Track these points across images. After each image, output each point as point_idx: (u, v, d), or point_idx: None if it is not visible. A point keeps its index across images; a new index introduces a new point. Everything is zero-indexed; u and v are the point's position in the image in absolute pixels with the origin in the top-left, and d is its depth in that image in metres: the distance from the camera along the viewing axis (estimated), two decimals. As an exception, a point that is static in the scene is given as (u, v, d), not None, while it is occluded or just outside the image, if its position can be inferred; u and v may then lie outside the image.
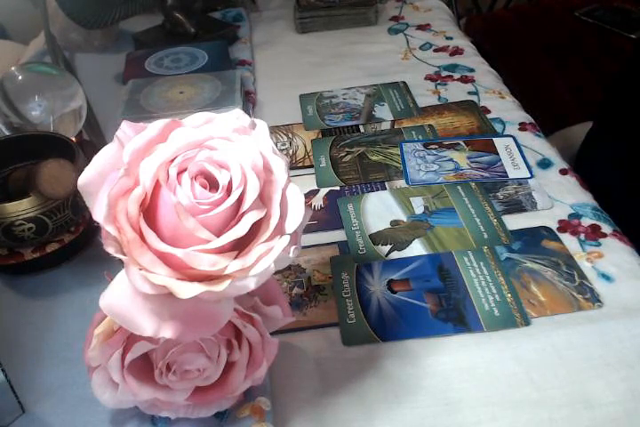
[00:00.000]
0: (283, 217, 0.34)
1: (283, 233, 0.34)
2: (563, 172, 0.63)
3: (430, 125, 0.71)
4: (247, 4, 1.05)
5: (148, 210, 0.34)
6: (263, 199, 0.35)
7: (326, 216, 0.60)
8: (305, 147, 0.70)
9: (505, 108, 0.74)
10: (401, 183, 0.63)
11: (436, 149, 0.67)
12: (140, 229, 0.33)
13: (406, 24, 0.96)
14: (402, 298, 0.50)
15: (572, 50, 1.22)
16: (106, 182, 0.34)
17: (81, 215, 0.55)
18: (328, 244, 0.57)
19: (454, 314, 0.48)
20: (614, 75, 0.91)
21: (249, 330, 0.38)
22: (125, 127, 0.35)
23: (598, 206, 0.58)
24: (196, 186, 0.34)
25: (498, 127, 0.70)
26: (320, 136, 0.72)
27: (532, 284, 0.50)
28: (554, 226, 0.56)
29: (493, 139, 0.68)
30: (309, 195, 0.63)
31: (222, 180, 0.34)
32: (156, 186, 0.34)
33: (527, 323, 0.47)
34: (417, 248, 0.55)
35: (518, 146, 0.66)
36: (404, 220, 0.58)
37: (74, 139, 0.64)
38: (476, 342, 0.47)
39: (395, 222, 0.58)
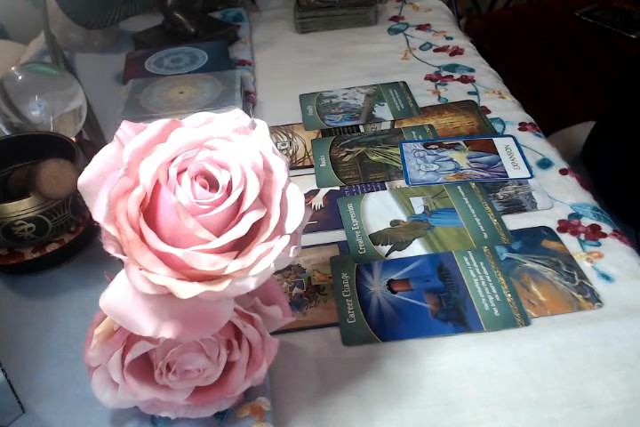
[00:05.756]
0: (283, 217, 0.34)
1: (283, 233, 0.34)
2: (563, 172, 0.63)
3: (430, 125, 0.71)
4: (247, 3, 1.05)
5: (148, 210, 0.34)
6: (263, 199, 0.35)
7: (326, 216, 0.60)
8: (305, 147, 0.70)
9: (505, 108, 0.74)
10: (401, 183, 0.63)
11: (436, 148, 0.67)
12: (139, 229, 0.33)
13: (406, 24, 0.96)
14: (402, 298, 0.50)
15: (572, 50, 1.22)
16: (106, 182, 0.34)
17: (81, 215, 0.55)
18: (328, 244, 0.57)
19: (454, 314, 0.48)
20: (618, 75, 0.91)
21: (249, 330, 0.38)
22: (125, 127, 0.35)
23: (598, 206, 0.58)
24: (196, 186, 0.34)
25: (498, 127, 0.70)
26: (320, 136, 0.72)
27: (532, 284, 0.50)
28: (554, 226, 0.56)
29: (493, 139, 0.68)
30: (309, 195, 0.63)
31: (222, 180, 0.34)
32: (156, 186, 0.34)
33: (527, 323, 0.47)
34: (417, 248, 0.55)
35: (518, 146, 0.66)
36: (404, 220, 0.58)
37: (74, 139, 0.64)
38: (476, 342, 0.47)
39: (395, 222, 0.58)
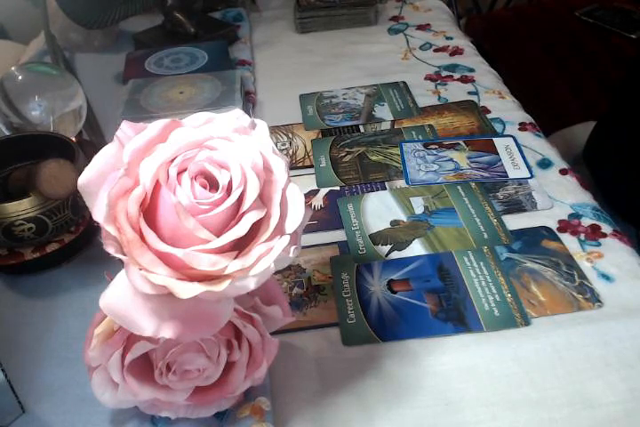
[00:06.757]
0: (283, 217, 0.34)
1: (283, 233, 0.34)
2: (563, 172, 0.63)
3: (430, 125, 0.71)
4: (247, 3, 1.05)
5: (148, 210, 0.34)
6: (263, 199, 0.35)
7: (326, 216, 0.60)
8: (305, 147, 0.70)
9: (505, 108, 0.74)
10: (401, 183, 0.63)
11: (436, 149, 0.67)
12: (139, 229, 0.33)
13: (406, 24, 0.96)
14: (402, 298, 0.50)
15: (572, 50, 1.22)
16: (106, 182, 0.34)
17: (81, 215, 0.55)
18: (328, 244, 0.57)
19: (454, 314, 0.48)
20: (618, 75, 0.91)
21: (249, 330, 0.38)
22: (125, 127, 0.35)
23: (598, 206, 0.58)
24: (196, 186, 0.34)
25: (498, 127, 0.70)
26: (320, 136, 0.72)
27: (532, 284, 0.50)
28: (554, 226, 0.56)
29: (493, 139, 0.68)
30: (309, 195, 0.63)
31: (222, 180, 0.34)
32: (156, 186, 0.34)
33: (527, 323, 0.47)
34: (417, 248, 0.55)
35: (518, 146, 0.66)
36: (404, 220, 0.58)
37: (74, 139, 0.64)
38: (476, 342, 0.47)
39: (395, 222, 0.58)
